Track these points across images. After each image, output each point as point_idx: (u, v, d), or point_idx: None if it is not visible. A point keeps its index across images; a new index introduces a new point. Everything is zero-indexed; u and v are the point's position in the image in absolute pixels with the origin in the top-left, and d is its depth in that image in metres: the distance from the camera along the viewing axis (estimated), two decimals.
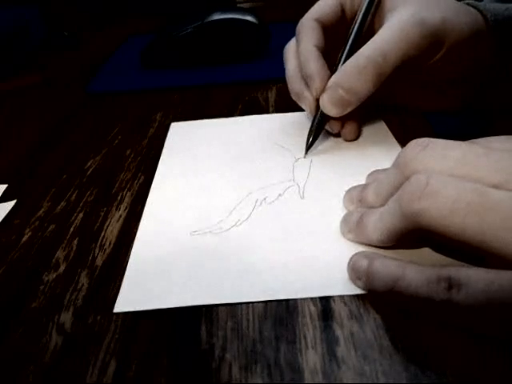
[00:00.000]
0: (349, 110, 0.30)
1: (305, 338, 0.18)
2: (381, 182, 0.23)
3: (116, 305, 0.21)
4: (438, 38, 0.29)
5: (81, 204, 0.29)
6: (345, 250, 0.22)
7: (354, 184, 0.26)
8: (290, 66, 0.33)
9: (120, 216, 0.27)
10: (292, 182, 0.28)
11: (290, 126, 0.35)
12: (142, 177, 0.31)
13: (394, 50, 0.28)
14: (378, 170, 0.26)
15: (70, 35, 0.65)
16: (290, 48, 0.34)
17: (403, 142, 0.31)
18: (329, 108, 0.30)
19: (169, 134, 0.36)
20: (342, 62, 0.31)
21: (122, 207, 0.28)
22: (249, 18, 0.50)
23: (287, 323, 0.19)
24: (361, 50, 0.29)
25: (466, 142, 0.20)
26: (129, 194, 0.29)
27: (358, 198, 0.24)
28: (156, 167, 0.32)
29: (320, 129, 0.31)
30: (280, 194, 0.27)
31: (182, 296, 0.21)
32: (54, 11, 0.69)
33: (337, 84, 0.29)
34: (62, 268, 0.23)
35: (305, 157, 0.31)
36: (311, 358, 0.17)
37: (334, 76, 0.30)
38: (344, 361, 0.17)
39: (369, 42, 0.29)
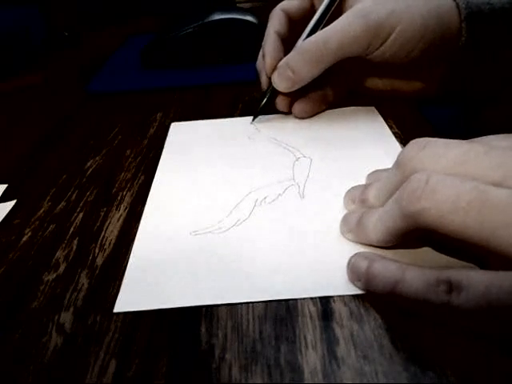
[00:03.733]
0: (294, 88, 0.34)
1: (305, 338, 0.18)
2: (381, 182, 0.23)
3: (116, 305, 0.21)
4: (383, 30, 0.31)
5: (81, 204, 0.29)
6: (345, 250, 0.22)
7: (354, 184, 0.26)
8: (260, 50, 0.37)
9: (120, 216, 0.27)
10: (292, 181, 0.28)
11: (290, 125, 0.35)
12: (142, 177, 0.31)
13: (334, 39, 0.31)
14: (378, 169, 0.26)
15: (69, 35, 0.65)
16: None
17: (403, 141, 0.31)
18: (277, 84, 0.34)
19: (169, 134, 0.36)
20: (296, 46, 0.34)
21: (122, 207, 0.28)
22: (249, 18, 0.49)
23: (287, 323, 0.19)
24: (311, 36, 0.33)
25: (466, 141, 0.20)
26: (129, 194, 0.29)
27: (358, 198, 0.24)
28: (156, 167, 0.32)
29: (270, 101, 0.36)
30: (280, 194, 0.27)
31: (181, 296, 0.21)
32: (54, 11, 0.69)
33: (285, 63, 0.33)
34: (62, 268, 0.24)
35: (251, 123, 0.36)
36: (311, 358, 0.17)
37: (285, 57, 0.34)
38: (344, 361, 0.17)
39: (319, 31, 0.33)
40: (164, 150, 0.34)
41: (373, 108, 0.36)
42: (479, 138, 0.21)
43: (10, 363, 0.19)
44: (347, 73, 0.37)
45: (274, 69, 0.34)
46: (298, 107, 0.35)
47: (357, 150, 0.31)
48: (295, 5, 0.37)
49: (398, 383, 0.16)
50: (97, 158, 0.34)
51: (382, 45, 0.32)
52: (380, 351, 0.17)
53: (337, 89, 0.37)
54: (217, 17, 0.49)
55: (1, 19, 0.57)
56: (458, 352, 0.17)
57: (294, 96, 0.35)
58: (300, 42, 0.34)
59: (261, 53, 0.37)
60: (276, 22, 0.36)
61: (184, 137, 0.36)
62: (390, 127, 0.33)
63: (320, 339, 0.18)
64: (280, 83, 0.34)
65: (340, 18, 0.32)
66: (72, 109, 0.44)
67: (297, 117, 0.36)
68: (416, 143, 0.20)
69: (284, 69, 0.33)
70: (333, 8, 0.34)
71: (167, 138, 0.36)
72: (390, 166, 0.23)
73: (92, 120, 0.41)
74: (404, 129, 0.33)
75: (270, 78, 0.35)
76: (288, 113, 0.36)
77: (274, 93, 0.35)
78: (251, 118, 0.37)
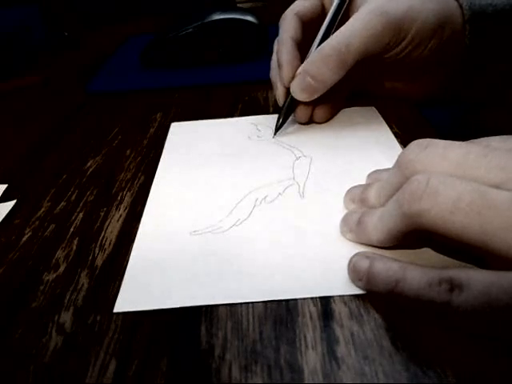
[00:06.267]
0: (316, 95, 0.32)
1: (305, 338, 0.18)
2: (382, 182, 0.23)
3: (116, 305, 0.21)
4: (402, 27, 0.30)
5: (81, 204, 0.29)
6: (345, 250, 0.22)
7: (354, 183, 0.26)
8: (273, 57, 0.36)
9: (120, 216, 0.27)
10: (292, 180, 0.28)
11: (290, 125, 0.35)
12: (142, 177, 0.31)
13: (356, 40, 0.30)
14: (379, 169, 0.26)
15: (69, 35, 0.65)
16: (276, 41, 0.36)
17: (403, 141, 0.31)
18: (298, 93, 0.32)
19: (169, 134, 0.36)
20: (312, 52, 0.33)
21: (122, 207, 0.28)
22: (249, 18, 0.49)
23: (287, 323, 0.19)
24: (328, 39, 0.31)
25: (466, 142, 0.20)
26: (129, 194, 0.29)
27: (359, 197, 0.24)
28: (156, 167, 0.32)
29: (289, 113, 0.34)
30: (280, 193, 0.27)
31: (181, 296, 0.21)
32: (54, 11, 0.69)
33: (305, 71, 0.31)
34: (62, 268, 0.24)
35: (273, 137, 0.34)
36: (311, 358, 0.17)
37: (303, 64, 0.32)
38: (344, 361, 0.17)
39: (336, 33, 0.31)
40: (164, 150, 0.34)
41: (373, 108, 0.36)
42: (479, 140, 0.21)
43: (10, 363, 0.19)
44: (353, 74, 0.36)
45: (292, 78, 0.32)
46: (319, 113, 0.34)
47: (357, 150, 0.31)
48: (307, 7, 0.35)
49: (398, 383, 0.16)
50: (97, 158, 0.34)
51: (400, 42, 0.31)
52: (380, 351, 0.17)
53: (343, 90, 0.36)
54: (217, 17, 0.49)
55: (1, 19, 0.57)
56: (458, 352, 0.17)
57: (313, 104, 0.34)
58: (314, 48, 0.33)
59: (274, 62, 0.35)
60: (290, 27, 0.34)
61: (184, 137, 0.36)
62: (390, 127, 0.33)
63: (320, 339, 0.18)
64: (301, 93, 0.32)
65: (356, 18, 0.30)
66: (72, 109, 0.44)
67: (318, 122, 0.35)
68: (417, 144, 0.20)
69: (304, 77, 0.31)
70: (343, 10, 0.33)
71: (167, 138, 0.36)
72: (389, 166, 0.23)
73: (92, 120, 0.41)
74: (404, 129, 0.33)
75: (287, 89, 0.33)
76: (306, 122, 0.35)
77: (292, 103, 0.33)
78: (251, 117, 0.37)
